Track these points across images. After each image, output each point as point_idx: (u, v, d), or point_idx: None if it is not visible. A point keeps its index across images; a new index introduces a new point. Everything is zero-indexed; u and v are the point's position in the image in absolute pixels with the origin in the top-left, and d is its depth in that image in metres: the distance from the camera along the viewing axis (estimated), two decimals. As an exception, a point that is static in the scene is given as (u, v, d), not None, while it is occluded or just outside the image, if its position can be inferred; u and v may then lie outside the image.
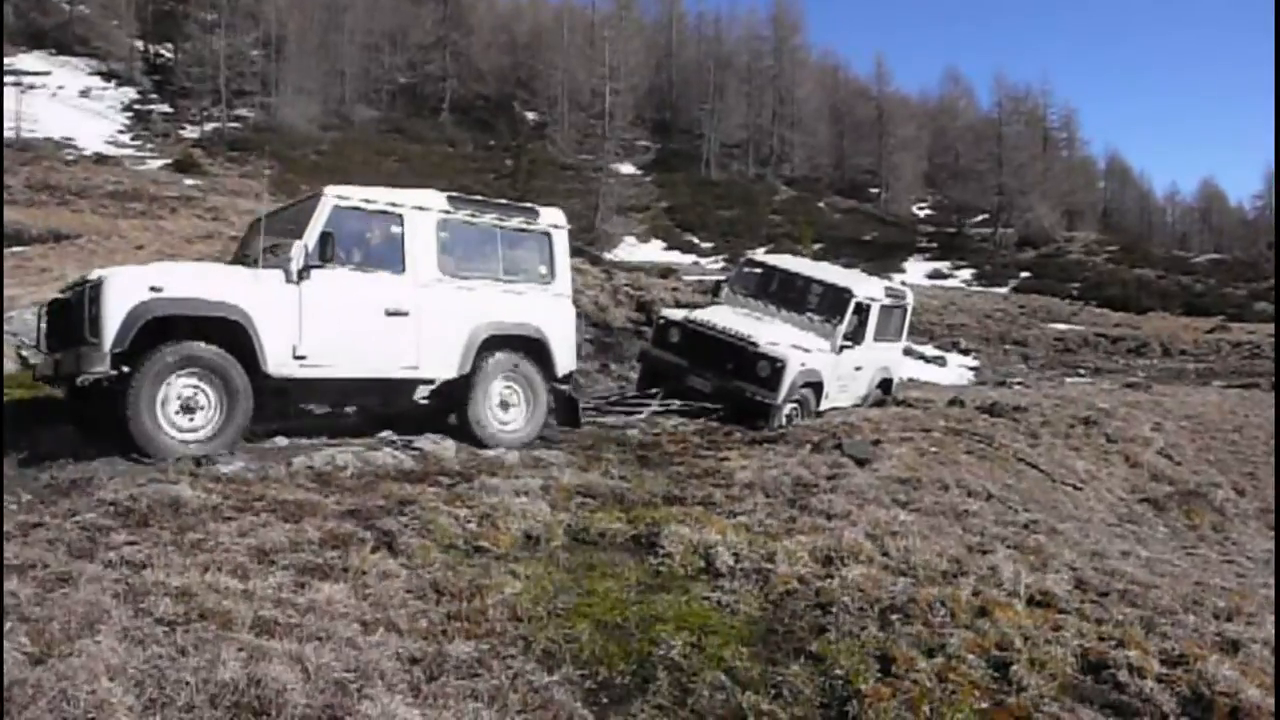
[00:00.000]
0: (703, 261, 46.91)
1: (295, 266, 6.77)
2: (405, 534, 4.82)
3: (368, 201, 7.33)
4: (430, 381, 7.58)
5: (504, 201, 8.54)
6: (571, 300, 8.55)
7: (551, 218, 8.44)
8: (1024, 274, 53.97)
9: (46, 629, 3.28)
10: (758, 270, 12.49)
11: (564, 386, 8.42)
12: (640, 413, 10.19)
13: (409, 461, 6.74)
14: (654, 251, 48.32)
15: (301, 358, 6.79)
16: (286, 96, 52.77)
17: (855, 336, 11.35)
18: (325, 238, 6.80)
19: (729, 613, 4.32)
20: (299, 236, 6.86)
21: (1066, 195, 69.43)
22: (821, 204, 65.55)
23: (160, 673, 3.06)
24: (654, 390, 10.70)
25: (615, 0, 67.79)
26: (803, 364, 10.43)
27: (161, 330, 6.21)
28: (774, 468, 7.26)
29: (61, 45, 55.03)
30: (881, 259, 51.06)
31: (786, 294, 11.88)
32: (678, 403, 10.45)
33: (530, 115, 65.22)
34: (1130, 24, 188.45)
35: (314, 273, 6.80)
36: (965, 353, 27.33)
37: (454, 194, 7.97)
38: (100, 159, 39.58)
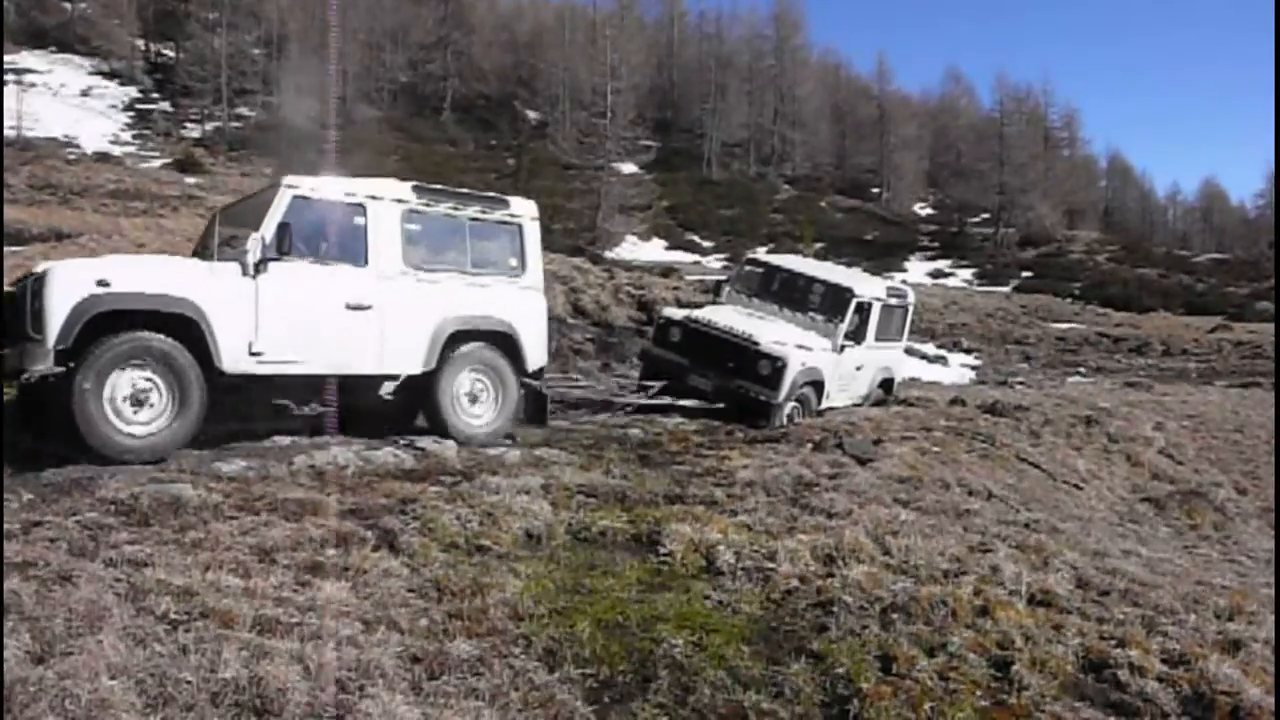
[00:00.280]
0: (704, 261, 46.92)
1: (251, 259, 6.53)
2: (406, 533, 4.82)
3: (328, 192, 7.11)
4: (395, 377, 7.39)
5: (472, 192, 8.29)
6: (543, 293, 8.33)
7: (522, 208, 8.20)
8: (1025, 273, 54.01)
9: (48, 627, 3.28)
10: (759, 270, 12.48)
11: (534, 382, 8.24)
12: (630, 402, 10.20)
13: (410, 460, 6.74)
14: (655, 251, 48.34)
15: (258, 354, 6.56)
16: (287, 96, 52.74)
17: (856, 336, 11.36)
18: (283, 229, 6.56)
19: (730, 611, 4.32)
20: (257, 229, 6.65)
21: (1068, 194, 69.48)
22: (823, 203, 65.57)
23: (162, 671, 3.06)
24: (650, 386, 10.71)
25: (616, 0, 67.85)
26: (804, 363, 10.44)
27: (110, 326, 5.98)
28: (775, 467, 7.26)
29: (63, 44, 55.08)
30: (883, 258, 51.09)
31: (788, 293, 11.88)
32: (666, 397, 10.47)
33: (531, 114, 65.25)
34: (1131, 23, 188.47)
35: (271, 266, 6.57)
36: (966, 352, 27.32)
37: (419, 184, 7.75)
38: (101, 158, 39.60)
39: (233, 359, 6.45)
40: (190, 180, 37.08)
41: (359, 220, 7.18)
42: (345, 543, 4.60)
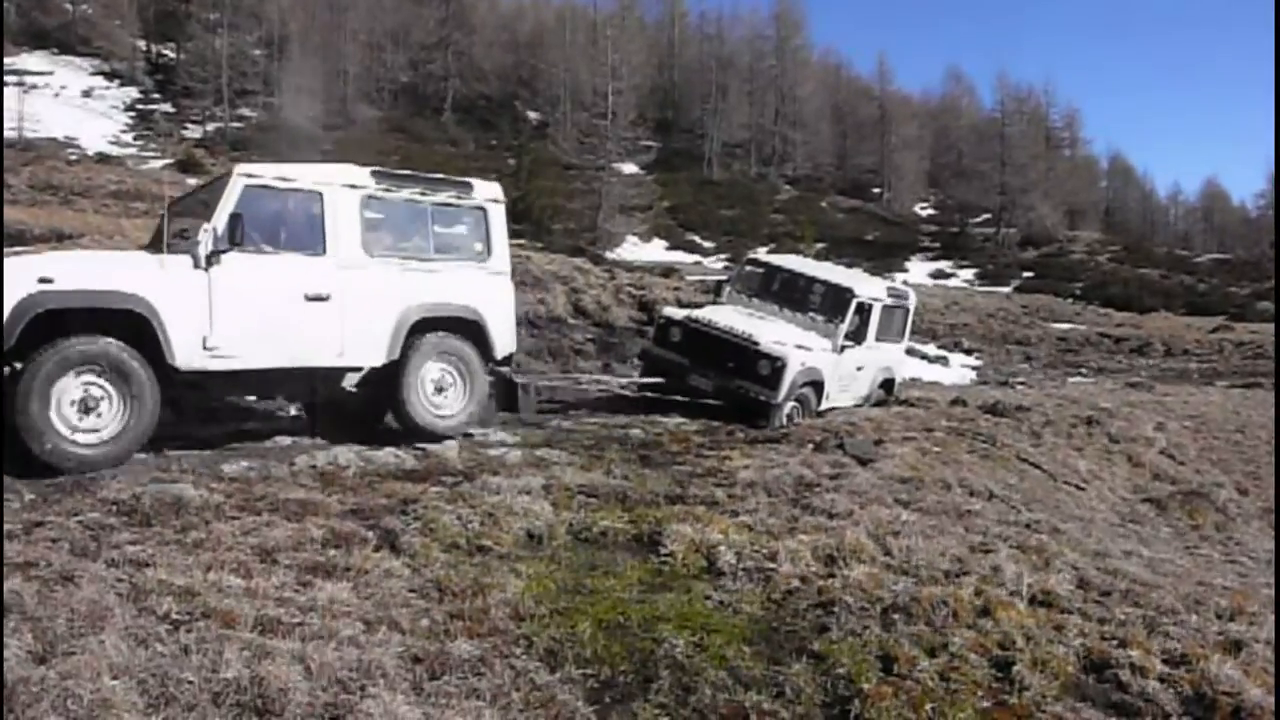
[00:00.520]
0: (705, 261, 46.91)
1: (203, 251, 6.29)
2: (407, 533, 4.83)
3: (283, 179, 6.88)
4: (358, 369, 7.17)
5: (435, 175, 8.04)
6: (510, 278, 8.14)
7: (487, 191, 8.00)
8: (1026, 273, 54.01)
9: (50, 627, 3.29)
10: (760, 270, 12.48)
11: (504, 369, 8.07)
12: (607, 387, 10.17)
13: (411, 460, 6.74)
14: (656, 251, 48.33)
15: (212, 349, 6.33)
16: (288, 96, 52.77)
17: (857, 336, 11.35)
18: (235, 220, 6.28)
19: (731, 612, 4.32)
20: (210, 220, 6.40)
21: (1069, 195, 69.49)
22: (824, 203, 65.56)
23: (163, 671, 3.06)
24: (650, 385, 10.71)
25: (617, 0, 67.86)
26: (803, 363, 10.43)
27: (56, 326, 5.69)
28: (776, 467, 7.26)
29: (64, 45, 55.09)
30: (884, 258, 51.08)
31: (788, 294, 11.88)
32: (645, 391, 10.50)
33: (532, 115, 65.26)
34: (1132, 23, 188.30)
35: (224, 257, 6.32)
36: (968, 352, 27.30)
37: (379, 168, 7.54)
38: (103, 159, 39.58)
39: (186, 355, 6.22)
40: (191, 181, 36.93)
41: (316, 208, 6.96)
42: (346, 543, 4.61)
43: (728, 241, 51.58)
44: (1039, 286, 50.35)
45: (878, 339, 11.89)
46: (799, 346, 10.54)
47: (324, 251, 6.92)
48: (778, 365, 10.13)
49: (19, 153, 34.59)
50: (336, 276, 6.92)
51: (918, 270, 53.64)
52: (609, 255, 38.30)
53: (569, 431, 8.99)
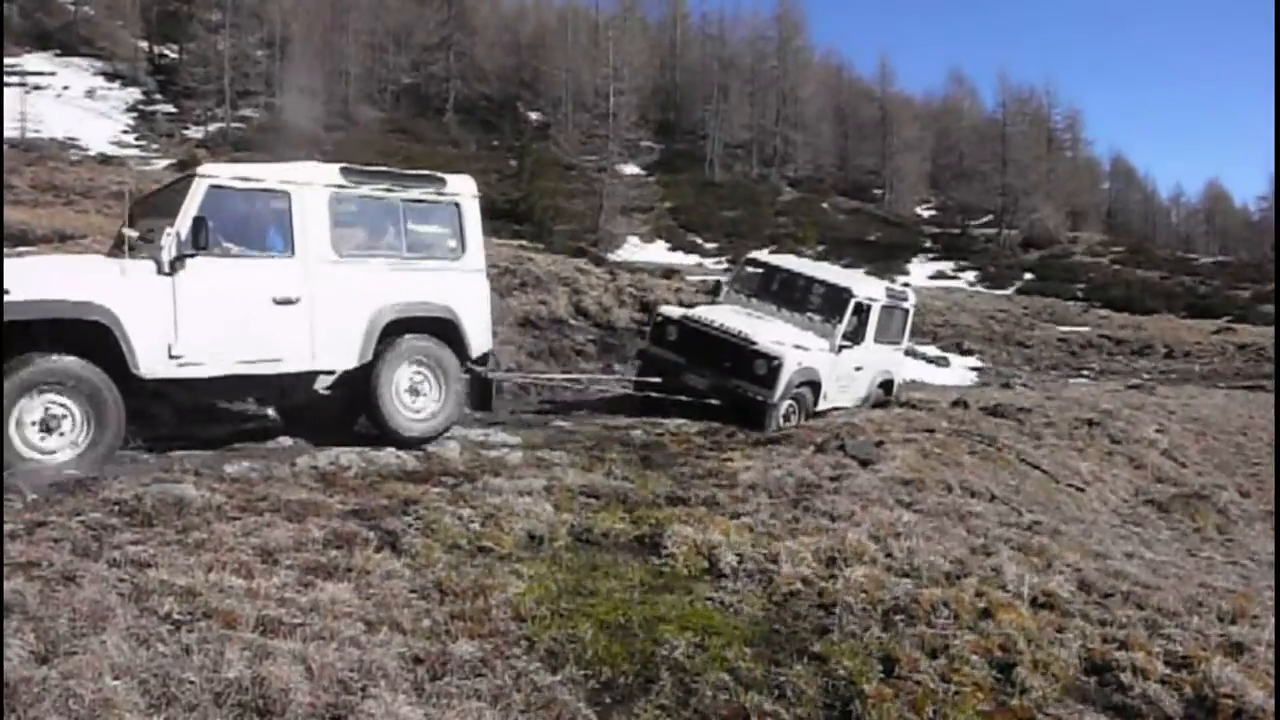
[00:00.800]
0: (706, 262, 46.91)
1: (167, 256, 6.12)
2: (409, 534, 4.83)
3: (248, 180, 6.71)
4: (330, 372, 7.06)
5: (406, 171, 7.89)
6: (485, 275, 7.97)
7: (460, 186, 7.78)
8: (1028, 275, 54.02)
9: (51, 627, 3.29)
10: (758, 270, 12.47)
11: (480, 368, 7.93)
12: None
13: (412, 461, 6.74)
14: (658, 252, 48.35)
15: (178, 356, 6.18)
16: (290, 97, 52.81)
17: (855, 336, 11.32)
18: (199, 223, 6.12)
19: (732, 613, 4.32)
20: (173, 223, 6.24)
21: (1071, 196, 69.51)
22: (825, 205, 65.57)
23: (165, 672, 3.07)
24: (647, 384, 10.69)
25: (619, 1, 67.90)
26: (800, 362, 10.37)
27: (21, 336, 5.55)
28: (777, 468, 7.26)
29: (66, 46, 55.15)
30: (885, 260, 51.11)
31: (787, 294, 11.86)
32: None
33: (534, 115, 65.30)
34: (1134, 25, 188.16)
35: (189, 262, 6.16)
36: (969, 354, 27.30)
37: (347, 165, 7.35)
38: (105, 159, 39.66)
39: (150, 363, 6.07)
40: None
41: (283, 208, 6.78)
42: (348, 544, 4.61)
43: (729, 243, 51.57)
44: (1040, 288, 50.37)
45: (877, 340, 11.87)
46: (796, 346, 10.50)
47: (292, 253, 6.77)
48: (774, 364, 10.08)
49: (21, 153, 34.66)
50: (305, 278, 6.78)
51: (919, 272, 53.66)
52: (610, 256, 38.30)
53: (570, 432, 9.00)
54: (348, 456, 6.53)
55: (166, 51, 58.39)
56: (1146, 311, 44.51)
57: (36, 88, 46.15)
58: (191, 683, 3.03)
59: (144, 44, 58.29)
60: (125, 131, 48.07)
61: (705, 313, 11.07)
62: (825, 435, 8.82)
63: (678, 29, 77.84)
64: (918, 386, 17.13)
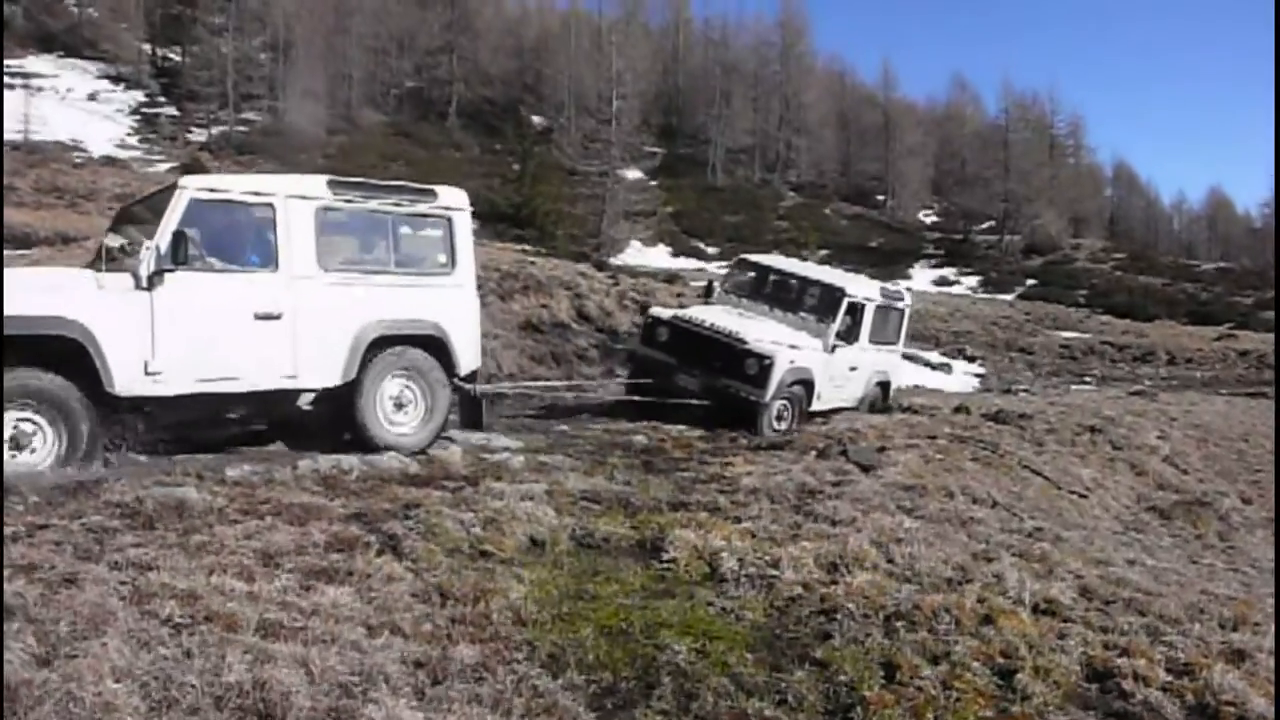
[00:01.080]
0: (708, 267, 46.92)
1: (145, 271, 5.97)
2: (410, 538, 4.82)
3: (231, 192, 6.56)
4: (312, 390, 6.88)
5: (397, 183, 7.70)
6: (475, 290, 7.80)
7: (451, 198, 7.58)
8: (1030, 281, 54.04)
9: (53, 630, 3.29)
10: (751, 270, 12.46)
11: (468, 385, 7.77)
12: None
13: (414, 465, 6.74)
14: (660, 257, 48.41)
15: (155, 374, 6.01)
16: (293, 100, 52.92)
17: (849, 336, 11.22)
18: (179, 238, 5.96)
19: (734, 618, 4.32)
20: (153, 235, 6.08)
21: (1073, 202, 69.62)
22: (827, 210, 65.63)
23: (166, 675, 3.06)
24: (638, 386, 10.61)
25: (622, 5, 68.12)
26: (792, 361, 10.27)
27: None
28: (779, 474, 7.26)
29: (70, 48, 55.28)
30: (887, 265, 51.11)
31: (780, 294, 11.80)
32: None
33: (537, 120, 65.37)
34: (1137, 29, 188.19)
35: (168, 277, 6.00)
36: (971, 360, 27.30)
37: (335, 178, 7.14)
38: (108, 161, 39.77)
39: (126, 381, 5.90)
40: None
41: (267, 221, 6.62)
42: (349, 547, 4.61)
43: (731, 248, 51.51)
44: (1042, 294, 50.37)
45: (872, 340, 11.79)
46: (787, 345, 10.39)
47: (276, 267, 6.59)
48: (765, 363, 9.97)
49: (25, 155, 34.74)
50: (289, 294, 6.60)
51: (921, 277, 53.70)
52: (612, 261, 38.35)
53: (572, 437, 9.00)
54: (349, 460, 6.52)
55: (170, 54, 58.50)
56: (1148, 318, 44.51)
57: (40, 90, 46.22)
58: (192, 686, 3.02)
59: (147, 47, 58.40)
60: (128, 134, 48.16)
61: (696, 313, 10.98)
62: (827, 441, 8.82)
63: (680, 34, 77.93)
64: (919, 392, 17.11)
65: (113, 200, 29.04)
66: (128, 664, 3.09)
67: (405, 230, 7.48)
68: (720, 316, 10.77)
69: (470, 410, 8.01)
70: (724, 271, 12.88)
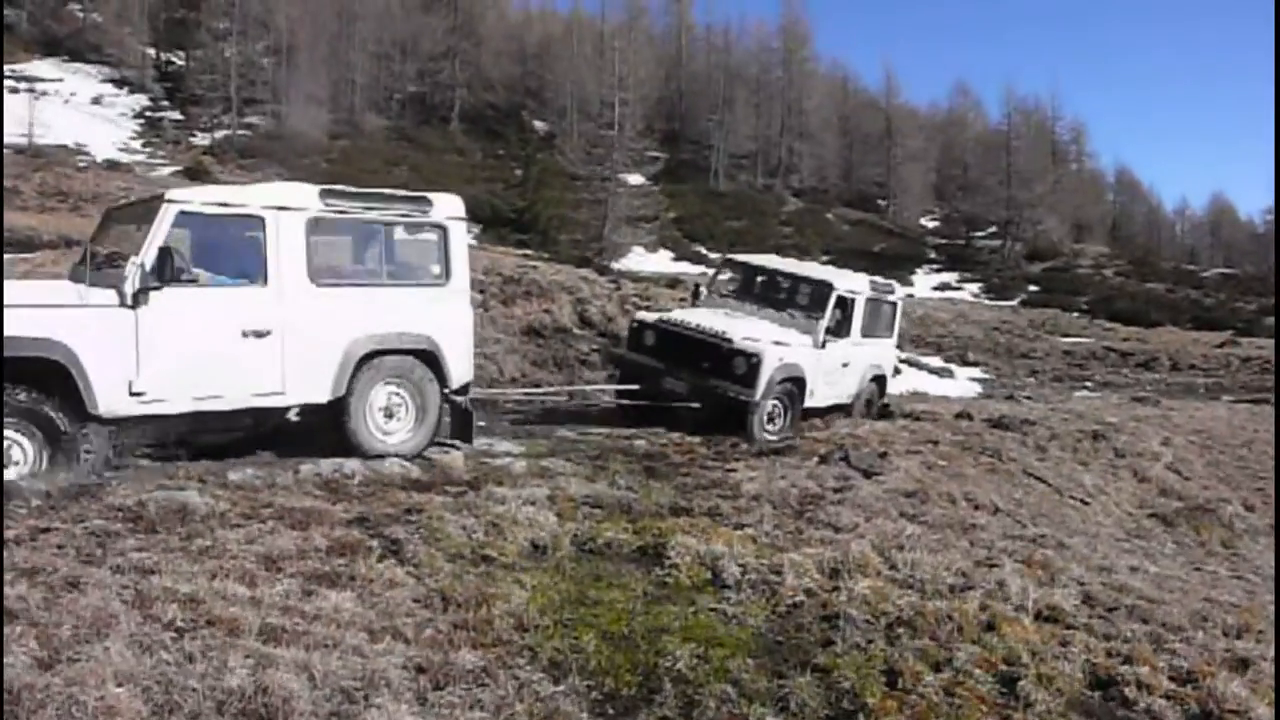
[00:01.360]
0: (710, 272, 46.90)
1: (129, 289, 5.82)
2: (412, 542, 4.82)
3: (219, 205, 6.43)
4: (301, 405, 6.79)
5: (390, 192, 7.54)
6: (469, 300, 7.70)
7: (447, 207, 7.43)
8: (1032, 287, 53.96)
9: (55, 634, 3.29)
10: (738, 270, 12.42)
11: (460, 398, 7.61)
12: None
13: (416, 470, 6.74)
14: (662, 262, 48.33)
15: (140, 394, 5.89)
16: (296, 105, 52.98)
17: (839, 331, 11.10)
18: (164, 255, 5.85)
19: (735, 624, 4.32)
20: (139, 249, 5.93)
21: (1075, 208, 69.63)
22: (830, 215, 65.61)
23: (168, 679, 3.07)
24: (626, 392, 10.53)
25: (625, 11, 68.11)
26: (781, 358, 10.11)
27: None
28: (781, 479, 7.26)
29: (74, 52, 55.37)
30: (890, 271, 50.79)
31: (768, 293, 11.73)
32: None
33: (539, 125, 65.41)
34: (1140, 35, 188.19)
35: (153, 295, 5.87)
36: (973, 365, 27.27)
37: (327, 187, 7.02)
38: (112, 165, 39.79)
39: (109, 402, 5.78)
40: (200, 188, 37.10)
41: (256, 234, 6.44)
42: (351, 552, 4.61)
43: (734, 252, 51.56)
44: (1045, 300, 50.29)
45: (864, 335, 11.66)
46: (776, 342, 10.25)
47: (265, 281, 6.45)
48: (753, 361, 9.83)
49: (29, 159, 34.81)
50: (278, 309, 6.46)
51: (923, 283, 53.64)
52: (615, 266, 38.38)
53: (573, 442, 8.99)
54: (351, 464, 6.53)
55: (174, 58, 58.59)
56: (1151, 324, 44.41)
57: (44, 93, 46.31)
58: (194, 690, 3.03)
59: (151, 51, 58.50)
60: (132, 138, 48.22)
61: (681, 315, 10.90)
62: (829, 446, 8.81)
63: (683, 39, 77.99)
64: (922, 398, 17.11)
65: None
66: (130, 668, 3.09)
67: (399, 240, 7.35)
68: (706, 317, 10.65)
69: (461, 423, 7.86)
70: (726, 277, 12.78)
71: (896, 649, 4.06)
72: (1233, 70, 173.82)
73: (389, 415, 7.17)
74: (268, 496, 5.54)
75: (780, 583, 4.76)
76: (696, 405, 10.09)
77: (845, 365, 11.45)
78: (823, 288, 11.24)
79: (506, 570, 4.70)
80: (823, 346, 10.85)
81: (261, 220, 6.47)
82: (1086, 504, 9.39)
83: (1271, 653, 4.45)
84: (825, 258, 46.57)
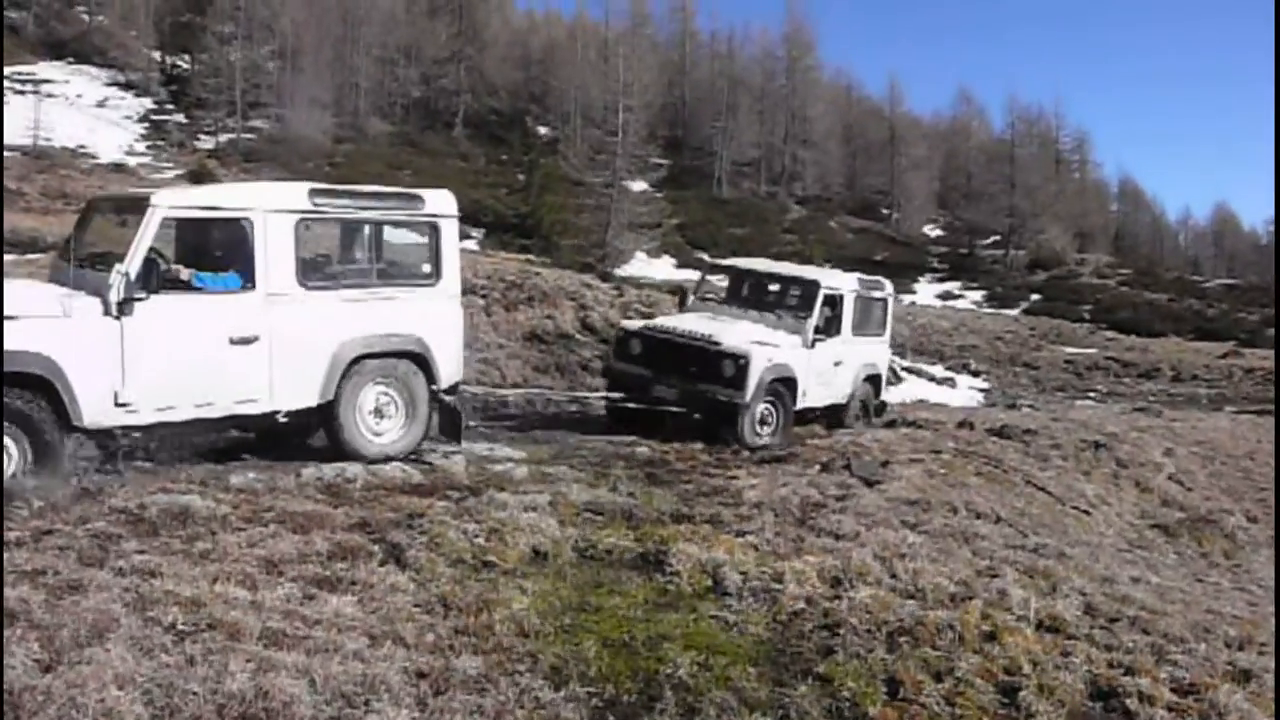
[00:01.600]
0: (713, 279, 46.90)
1: (114, 298, 5.69)
2: (413, 547, 4.82)
3: (206, 207, 6.35)
4: (289, 410, 6.67)
5: (380, 189, 7.43)
6: (460, 300, 7.58)
7: (438, 204, 7.29)
8: (1035, 296, 53.95)
9: (56, 636, 3.30)
10: (725, 275, 12.41)
11: (449, 398, 7.53)
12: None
13: (418, 475, 6.74)
14: (665, 268, 48.37)
15: (125, 404, 5.80)
16: (301, 109, 53.08)
17: (829, 329, 10.97)
18: (150, 264, 5.77)
19: (736, 632, 4.31)
20: (124, 254, 5.80)
21: (1078, 217, 69.55)
22: (833, 223, 65.65)
23: (169, 682, 3.07)
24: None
25: (629, 17, 68.29)
26: (770, 359, 10.00)
27: None
28: (782, 487, 7.25)
29: (80, 55, 55.51)
30: (892, 279, 50.66)
31: (756, 296, 11.68)
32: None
33: (543, 130, 65.52)
34: (1142, 43, 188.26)
35: (138, 305, 5.76)
36: (975, 374, 27.25)
37: (316, 186, 6.91)
38: (116, 168, 39.87)
39: (94, 414, 5.68)
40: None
41: (244, 237, 6.31)
42: (352, 556, 4.61)
43: (736, 260, 51.54)
44: (1047, 309, 50.29)
45: (855, 332, 11.52)
46: (764, 343, 10.14)
47: (253, 286, 6.32)
48: (741, 363, 9.71)
49: (33, 161, 34.90)
50: (266, 314, 6.35)
51: (926, 291, 53.69)
52: (617, 272, 38.39)
53: (575, 448, 8.98)
54: (353, 469, 6.52)
55: (179, 62, 58.72)
56: (1154, 334, 44.39)
57: (49, 96, 46.43)
58: (195, 694, 3.03)
59: (156, 54, 58.60)
60: (137, 141, 48.31)
61: (667, 321, 10.83)
62: (831, 454, 8.81)
63: (687, 46, 78.05)
64: (924, 406, 17.10)
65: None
66: (131, 671, 3.09)
67: (389, 239, 7.27)
68: (692, 322, 10.58)
69: (450, 423, 7.76)
70: (727, 284, 12.78)
71: (897, 658, 4.05)
72: (1233, 70, 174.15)
73: (379, 415, 7.12)
74: (269, 500, 5.54)
75: (781, 591, 4.76)
76: (685, 410, 9.95)
77: (837, 364, 11.30)
78: (809, 286, 11.14)
79: (507, 576, 4.70)
80: (812, 346, 10.72)
81: (249, 223, 6.36)
82: (1088, 514, 9.38)
83: (1273, 665, 4.44)
84: (828, 265, 46.60)
